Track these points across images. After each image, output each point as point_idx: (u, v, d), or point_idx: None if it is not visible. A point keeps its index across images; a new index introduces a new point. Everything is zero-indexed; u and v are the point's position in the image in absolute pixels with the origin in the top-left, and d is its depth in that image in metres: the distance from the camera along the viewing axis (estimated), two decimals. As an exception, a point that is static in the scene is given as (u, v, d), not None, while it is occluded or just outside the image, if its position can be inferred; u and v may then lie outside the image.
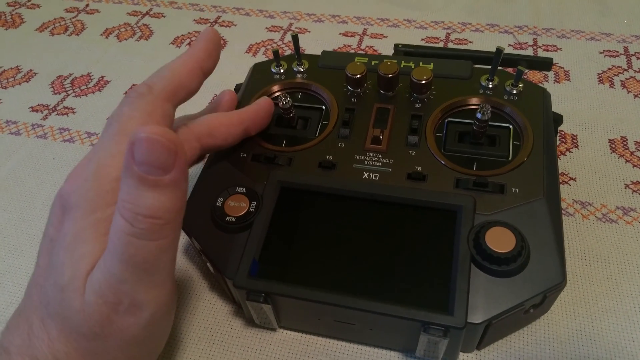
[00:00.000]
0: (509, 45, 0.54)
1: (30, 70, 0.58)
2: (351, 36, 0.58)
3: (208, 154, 0.36)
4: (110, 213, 0.24)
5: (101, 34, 0.63)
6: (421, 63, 0.38)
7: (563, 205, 0.39)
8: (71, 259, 0.24)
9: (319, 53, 0.40)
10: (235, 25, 0.62)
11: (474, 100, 0.35)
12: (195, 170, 0.44)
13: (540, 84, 0.45)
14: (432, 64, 0.38)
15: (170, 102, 0.28)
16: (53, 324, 0.24)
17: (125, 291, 0.23)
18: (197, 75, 0.30)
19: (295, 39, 0.37)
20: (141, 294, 0.24)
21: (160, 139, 0.21)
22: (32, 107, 0.53)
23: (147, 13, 0.66)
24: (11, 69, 0.59)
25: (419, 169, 0.32)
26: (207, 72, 0.30)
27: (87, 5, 0.68)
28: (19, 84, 0.57)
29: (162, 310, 0.25)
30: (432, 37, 0.57)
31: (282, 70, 0.39)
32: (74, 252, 0.24)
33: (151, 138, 0.21)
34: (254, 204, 0.31)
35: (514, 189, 0.31)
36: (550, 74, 0.50)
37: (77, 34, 0.63)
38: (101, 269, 0.23)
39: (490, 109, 0.31)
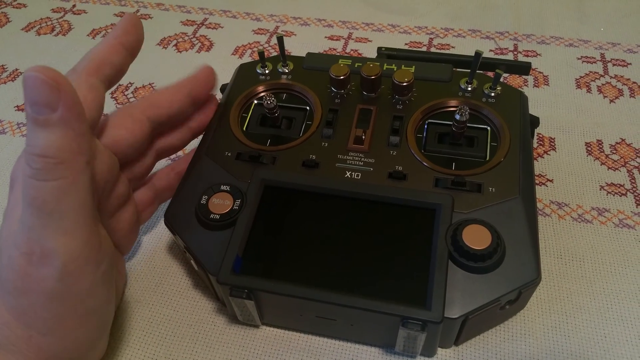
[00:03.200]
0: (490, 50, 0.56)
1: (16, 70, 0.58)
2: (336, 40, 0.59)
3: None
4: None
5: (88, 35, 0.63)
6: (403, 66, 0.39)
7: (540, 205, 0.40)
8: (7, 223, 0.25)
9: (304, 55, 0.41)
10: (222, 27, 0.63)
11: (453, 103, 0.36)
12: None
13: (520, 89, 0.46)
14: (413, 67, 0.39)
15: (94, 76, 0.28)
16: None
17: (34, 238, 0.24)
18: (117, 50, 0.30)
19: (280, 40, 0.38)
20: (49, 242, 0.24)
21: (39, 76, 0.22)
22: (17, 107, 0.53)
23: (134, 14, 0.66)
24: (-4, 68, 0.59)
25: (400, 168, 0.33)
26: (129, 48, 0.30)
27: (74, 6, 0.68)
28: (4, 83, 0.56)
29: (77, 262, 0.25)
30: (416, 42, 0.58)
31: (267, 71, 0.40)
32: (10, 217, 0.25)
33: (32, 76, 0.22)
34: (237, 201, 0.32)
35: (490, 188, 0.32)
36: (530, 79, 0.51)
37: (64, 34, 0.63)
38: (19, 221, 0.24)
39: (469, 111, 0.32)
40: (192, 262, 0.33)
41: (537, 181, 0.42)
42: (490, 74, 0.38)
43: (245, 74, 0.40)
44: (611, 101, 0.48)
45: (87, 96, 0.27)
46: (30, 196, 0.23)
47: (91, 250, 0.26)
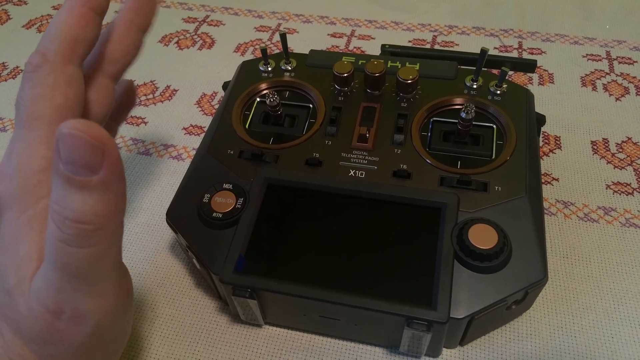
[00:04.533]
0: (495, 48, 0.55)
1: (17, 67, 0.58)
2: (339, 37, 0.59)
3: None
4: (42, 207, 0.23)
5: (89, 32, 0.63)
6: (407, 63, 0.39)
7: (546, 205, 0.40)
8: (13, 262, 0.23)
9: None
10: (224, 24, 0.62)
11: (459, 100, 0.36)
12: (184, 166, 0.45)
13: (525, 86, 0.46)
14: (418, 64, 0.38)
15: (71, 63, 0.25)
16: (6, 327, 0.23)
17: (64, 300, 0.22)
18: (89, 20, 0.25)
19: (283, 37, 0.38)
20: (82, 304, 0.22)
21: (83, 136, 0.18)
22: (18, 104, 0.53)
23: (135, 11, 0.66)
24: (-3, 65, 0.58)
25: (405, 167, 0.33)
26: (100, 11, 0.26)
27: (74, 3, 0.68)
28: (5, 80, 0.56)
29: (109, 318, 0.24)
30: (419, 39, 0.57)
31: (269, 69, 0.39)
32: (14, 256, 0.23)
33: (73, 134, 0.18)
34: (240, 200, 0.32)
35: (496, 187, 0.31)
36: (535, 77, 0.51)
37: (65, 32, 0.63)
38: (41, 276, 0.22)
39: (474, 109, 0.32)
40: (195, 261, 0.32)
41: (542, 180, 0.41)
42: (496, 71, 0.37)
43: (247, 71, 0.40)
44: (617, 99, 0.48)
45: (68, 93, 0.25)
46: (60, 261, 0.21)
47: (123, 302, 0.25)
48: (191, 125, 0.49)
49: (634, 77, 0.50)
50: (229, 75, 0.41)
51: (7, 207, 0.23)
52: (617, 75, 0.50)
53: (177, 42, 0.60)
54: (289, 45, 0.39)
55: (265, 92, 0.39)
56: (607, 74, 0.51)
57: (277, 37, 0.59)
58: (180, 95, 0.52)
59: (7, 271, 0.23)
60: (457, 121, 0.33)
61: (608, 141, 0.44)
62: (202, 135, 0.37)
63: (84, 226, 0.20)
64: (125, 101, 0.34)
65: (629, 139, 0.44)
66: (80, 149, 0.19)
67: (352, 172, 0.33)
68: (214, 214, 0.31)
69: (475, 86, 0.37)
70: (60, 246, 0.20)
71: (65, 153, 0.19)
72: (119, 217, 0.22)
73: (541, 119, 0.37)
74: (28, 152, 0.23)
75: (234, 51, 0.58)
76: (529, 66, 0.41)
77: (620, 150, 0.43)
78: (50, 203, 0.20)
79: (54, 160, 0.19)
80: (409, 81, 0.36)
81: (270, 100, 0.34)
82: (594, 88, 0.49)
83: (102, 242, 0.21)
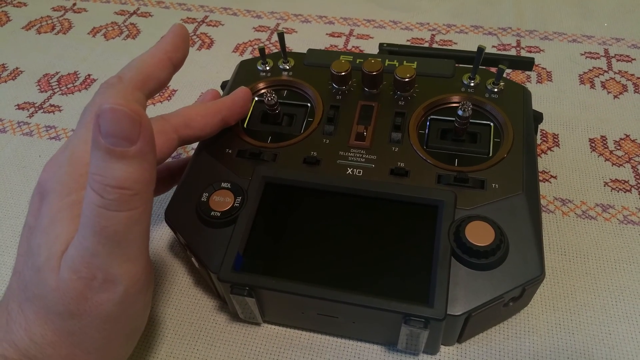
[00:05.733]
0: (493, 46, 0.55)
1: (17, 69, 0.58)
2: (338, 37, 0.59)
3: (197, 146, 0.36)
4: (83, 196, 0.24)
5: (88, 33, 0.63)
6: (405, 62, 0.39)
7: (544, 202, 0.40)
8: (47, 240, 0.24)
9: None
10: (223, 24, 0.62)
11: (456, 98, 0.36)
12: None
13: (523, 85, 0.46)
14: (415, 62, 0.39)
15: (140, 90, 0.29)
16: (30, 307, 0.25)
17: (98, 265, 0.23)
18: (165, 66, 0.30)
19: (281, 36, 0.38)
20: (114, 268, 0.24)
21: (123, 109, 0.21)
22: (18, 105, 0.53)
23: (134, 12, 0.66)
24: (-3, 66, 0.59)
25: (402, 164, 0.33)
26: (176, 64, 0.31)
27: (74, 4, 0.68)
28: (5, 82, 0.56)
29: (137, 286, 0.25)
30: (418, 39, 0.58)
31: (268, 68, 0.40)
32: (49, 234, 0.25)
33: (115, 109, 0.21)
34: (238, 199, 0.32)
35: (494, 185, 0.31)
36: (533, 75, 0.51)
37: (64, 33, 0.63)
38: (75, 245, 0.24)
39: (471, 106, 0.32)
40: (193, 259, 0.32)
41: (540, 178, 0.41)
42: (493, 69, 0.37)
43: (245, 70, 0.40)
44: (615, 97, 0.48)
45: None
46: (99, 225, 0.23)
47: (148, 274, 0.27)
48: (190, 125, 0.49)
49: (632, 75, 0.50)
50: (228, 75, 0.41)
51: (52, 190, 0.26)
52: (615, 72, 0.50)
53: (176, 43, 0.60)
54: (287, 45, 0.39)
55: (263, 91, 0.39)
56: (605, 71, 0.51)
57: (275, 37, 0.59)
58: (180, 95, 0.53)
59: (40, 249, 0.24)
60: (454, 119, 0.33)
61: (606, 139, 0.44)
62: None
63: (124, 191, 0.23)
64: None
65: (627, 136, 0.44)
66: (121, 122, 0.21)
67: (349, 171, 0.33)
68: (213, 213, 0.31)
69: (472, 84, 0.37)
70: (100, 211, 0.22)
71: (106, 126, 0.21)
72: (152, 184, 0.24)
73: (538, 117, 0.37)
74: (82, 147, 0.26)
75: (233, 51, 0.58)
76: (527, 64, 0.41)
77: (618, 147, 0.43)
78: (90, 174, 0.23)
79: (93, 135, 0.22)
80: (407, 79, 0.36)
81: (268, 99, 0.35)
82: (592, 86, 0.49)
83: (138, 206, 0.23)
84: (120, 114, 0.21)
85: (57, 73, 0.57)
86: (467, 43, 0.56)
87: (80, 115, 0.28)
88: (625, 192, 0.40)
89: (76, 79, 0.56)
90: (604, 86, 0.49)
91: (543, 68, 0.52)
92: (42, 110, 0.52)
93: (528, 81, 0.51)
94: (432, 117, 0.36)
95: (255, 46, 0.58)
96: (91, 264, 0.23)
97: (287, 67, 0.39)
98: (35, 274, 0.24)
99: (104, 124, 0.21)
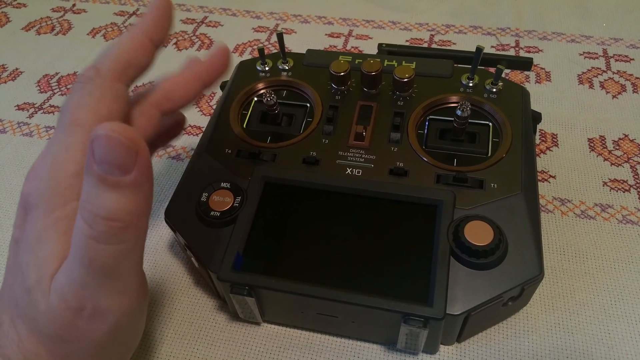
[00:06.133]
0: (492, 46, 0.55)
1: (17, 69, 0.58)
2: (337, 37, 0.59)
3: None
4: (70, 210, 0.23)
5: (88, 34, 0.63)
6: (404, 62, 0.39)
7: (543, 202, 0.40)
8: (35, 261, 0.23)
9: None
10: (222, 25, 0.63)
11: (455, 98, 0.36)
12: (182, 166, 0.45)
13: (522, 85, 0.46)
14: (414, 62, 0.39)
15: (120, 81, 0.26)
16: (22, 325, 0.24)
17: (87, 296, 0.22)
18: (147, 49, 0.28)
19: (280, 37, 0.38)
20: (104, 300, 0.23)
21: (119, 137, 0.20)
22: (17, 106, 0.53)
23: (134, 13, 0.66)
24: (-4, 67, 0.59)
25: (401, 164, 0.33)
26: (157, 44, 0.28)
27: (73, 5, 0.68)
28: (5, 82, 0.56)
29: (128, 316, 0.24)
30: (416, 39, 0.58)
31: (267, 68, 0.40)
32: (37, 254, 0.23)
33: (110, 136, 0.20)
34: (238, 199, 0.32)
35: (492, 184, 0.31)
36: (532, 75, 0.51)
37: (64, 34, 0.63)
38: (64, 272, 0.22)
39: (470, 106, 0.32)
40: (193, 259, 0.33)
41: (539, 177, 0.41)
42: (492, 69, 0.37)
43: (245, 71, 0.40)
44: (614, 97, 0.48)
45: (112, 107, 0.25)
46: (88, 257, 0.21)
47: (141, 300, 0.25)
48: (189, 126, 0.49)
49: (631, 75, 0.50)
50: (227, 75, 0.41)
51: (35, 206, 0.24)
52: (613, 73, 0.51)
53: (175, 44, 0.60)
54: (286, 46, 0.39)
55: (262, 91, 0.39)
56: (603, 71, 0.51)
57: (274, 38, 0.59)
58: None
59: (29, 269, 0.23)
60: (453, 119, 0.33)
61: (605, 138, 0.44)
62: (201, 135, 0.37)
63: (115, 223, 0.21)
64: (171, 131, 0.35)
65: (626, 136, 0.44)
66: (115, 150, 0.20)
67: (349, 170, 0.33)
68: (212, 213, 0.31)
69: (471, 84, 0.37)
70: (89, 243, 0.21)
71: (100, 153, 0.20)
72: (146, 215, 0.23)
73: (537, 117, 0.37)
74: (64, 156, 0.24)
75: (232, 52, 0.58)
76: (525, 64, 0.41)
77: (617, 147, 0.43)
78: (81, 202, 0.21)
79: (86, 160, 0.20)
80: (405, 80, 0.36)
81: (267, 100, 0.35)
82: (591, 86, 0.49)
83: (129, 239, 0.22)
84: (115, 142, 0.20)
85: (56, 74, 0.57)
86: (465, 43, 0.56)
87: (59, 113, 0.26)
88: (624, 192, 0.40)
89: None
90: (602, 86, 0.49)
91: (542, 68, 0.52)
92: (42, 111, 0.52)
93: (527, 81, 0.51)
94: (431, 117, 0.36)
95: (255, 47, 0.58)
96: (80, 295, 0.22)
97: (287, 68, 0.40)
98: (26, 295, 0.23)
99: (98, 150, 0.20)
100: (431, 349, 0.32)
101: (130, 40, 0.27)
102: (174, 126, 0.35)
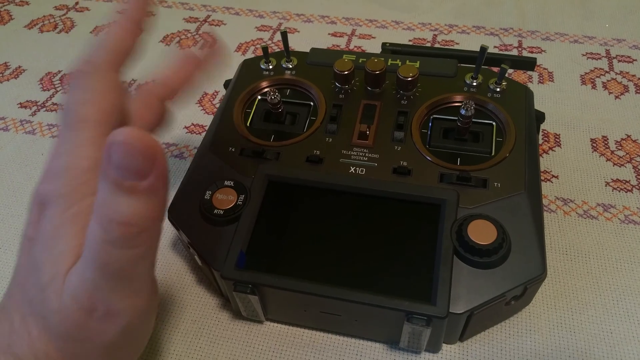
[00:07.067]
0: (495, 46, 0.55)
1: (19, 67, 0.58)
2: (340, 36, 0.59)
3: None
4: (87, 204, 0.23)
5: (90, 32, 0.63)
6: (407, 61, 0.39)
7: (545, 202, 0.40)
8: (51, 258, 0.23)
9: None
10: (225, 24, 0.63)
11: (458, 98, 0.36)
12: (185, 165, 0.45)
13: (525, 85, 0.46)
14: (418, 62, 0.39)
15: (114, 70, 0.27)
16: (34, 323, 0.24)
17: (99, 298, 0.22)
18: (136, 35, 0.28)
19: (284, 35, 0.38)
20: (116, 303, 0.23)
21: (137, 144, 0.20)
22: (20, 104, 0.53)
23: (137, 11, 0.66)
24: (-1, 65, 0.59)
25: (405, 163, 0.33)
26: (143, 27, 0.29)
27: (76, 3, 0.68)
28: (7, 80, 0.56)
29: (139, 318, 0.25)
30: (420, 39, 0.58)
31: (271, 67, 0.40)
32: (53, 250, 0.23)
33: (127, 142, 0.20)
34: (241, 197, 0.32)
35: (496, 184, 0.31)
36: (535, 75, 0.51)
37: (67, 32, 0.63)
38: (77, 273, 0.22)
39: (474, 106, 0.32)
40: (196, 257, 0.33)
41: (542, 177, 0.41)
42: (496, 69, 0.37)
43: (248, 69, 0.40)
44: (616, 97, 0.48)
45: (113, 98, 0.26)
46: (101, 261, 0.21)
47: (153, 302, 0.26)
48: (193, 124, 0.49)
49: (634, 76, 0.50)
50: (230, 74, 0.41)
51: (51, 203, 0.24)
52: (616, 73, 0.51)
53: (178, 42, 0.60)
54: (289, 45, 0.39)
55: (266, 90, 0.39)
56: (606, 72, 0.51)
57: (278, 37, 0.59)
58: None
59: (44, 266, 0.23)
60: (456, 118, 0.33)
61: (607, 139, 0.44)
62: (204, 133, 0.37)
63: (130, 228, 0.21)
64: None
65: (628, 136, 0.44)
66: (133, 156, 0.20)
67: (352, 169, 0.33)
68: (216, 211, 0.31)
69: (475, 84, 0.37)
70: (103, 247, 0.21)
71: (117, 159, 0.20)
72: (160, 220, 0.23)
73: (540, 117, 0.37)
74: (76, 153, 0.24)
75: (235, 51, 0.58)
76: (529, 64, 0.41)
77: (620, 147, 0.43)
78: (96, 206, 0.21)
79: (102, 165, 0.20)
80: (409, 79, 0.36)
81: (271, 98, 0.35)
82: (594, 86, 0.49)
83: (143, 244, 0.22)
84: (133, 148, 0.20)
85: (59, 72, 0.57)
86: (468, 43, 0.56)
87: (63, 111, 0.26)
88: (626, 192, 0.40)
89: (79, 77, 0.56)
90: (605, 87, 0.49)
91: (545, 68, 0.52)
92: (44, 109, 0.52)
93: (530, 81, 0.51)
94: (434, 116, 0.36)
95: (258, 46, 0.58)
96: (92, 296, 0.22)
97: (290, 66, 0.40)
98: (40, 293, 0.23)
99: (115, 155, 0.20)
100: (434, 347, 0.32)
101: (120, 30, 0.28)
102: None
